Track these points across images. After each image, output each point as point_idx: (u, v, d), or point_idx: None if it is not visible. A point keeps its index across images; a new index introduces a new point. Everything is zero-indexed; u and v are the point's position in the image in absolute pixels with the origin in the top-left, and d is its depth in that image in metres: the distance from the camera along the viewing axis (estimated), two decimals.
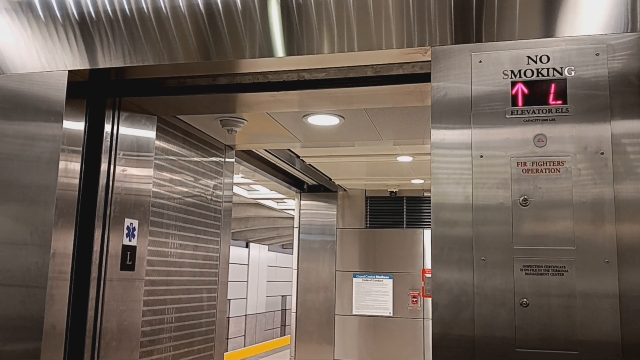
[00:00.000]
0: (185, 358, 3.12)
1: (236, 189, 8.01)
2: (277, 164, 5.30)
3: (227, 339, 15.61)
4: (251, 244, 17.37)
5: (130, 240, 2.62)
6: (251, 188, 8.25)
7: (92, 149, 2.51)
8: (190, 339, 3.16)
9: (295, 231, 7.32)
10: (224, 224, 3.61)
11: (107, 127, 2.56)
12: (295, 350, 7.07)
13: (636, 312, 1.82)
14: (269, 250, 18.98)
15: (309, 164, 5.62)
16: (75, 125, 2.41)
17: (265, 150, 4.61)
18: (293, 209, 7.70)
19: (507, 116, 2.01)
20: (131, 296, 2.63)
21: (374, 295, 6.96)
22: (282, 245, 19.53)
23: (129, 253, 2.61)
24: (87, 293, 2.40)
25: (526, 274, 1.93)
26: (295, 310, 7.14)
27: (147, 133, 2.80)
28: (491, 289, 1.95)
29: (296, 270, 7.21)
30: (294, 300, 7.18)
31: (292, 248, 7.40)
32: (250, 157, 4.73)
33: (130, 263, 2.62)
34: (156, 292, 2.87)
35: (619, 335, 1.83)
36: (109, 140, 2.56)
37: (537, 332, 1.90)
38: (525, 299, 1.91)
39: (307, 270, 7.16)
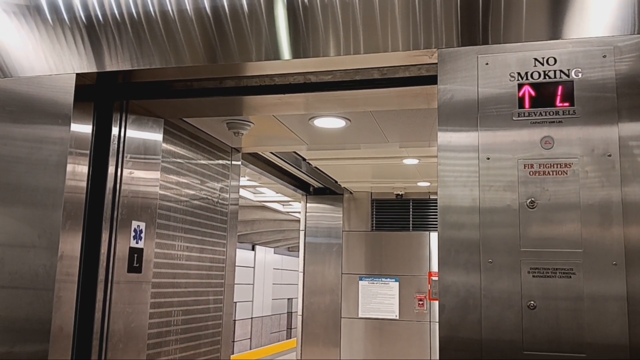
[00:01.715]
0: None
1: (242, 192, 8.03)
2: (283, 167, 5.31)
3: (233, 341, 15.61)
4: (257, 247, 17.39)
5: (137, 243, 2.63)
6: (257, 191, 8.26)
7: (99, 152, 2.52)
8: (196, 341, 3.17)
9: (301, 234, 7.32)
10: (230, 227, 3.62)
11: (115, 130, 2.57)
12: (301, 353, 7.07)
13: None
14: (274, 252, 18.98)
15: (315, 167, 5.63)
16: (83, 128, 2.42)
17: (272, 152, 4.62)
18: (299, 212, 7.70)
19: (513, 118, 2.01)
20: (138, 298, 2.64)
21: (380, 298, 6.95)
22: (288, 248, 19.53)
23: (136, 255, 2.62)
24: (94, 295, 2.41)
25: (533, 276, 1.92)
26: (301, 313, 7.13)
27: (154, 136, 2.82)
28: (498, 292, 1.94)
29: (302, 273, 7.20)
30: (300, 302, 7.17)
31: (298, 251, 7.40)
32: (257, 160, 4.73)
33: (137, 265, 2.63)
34: (163, 294, 2.87)
35: (627, 337, 1.82)
36: (116, 143, 2.57)
37: (544, 334, 1.89)
38: (532, 302, 1.91)
39: (313, 273, 7.16)
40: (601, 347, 1.84)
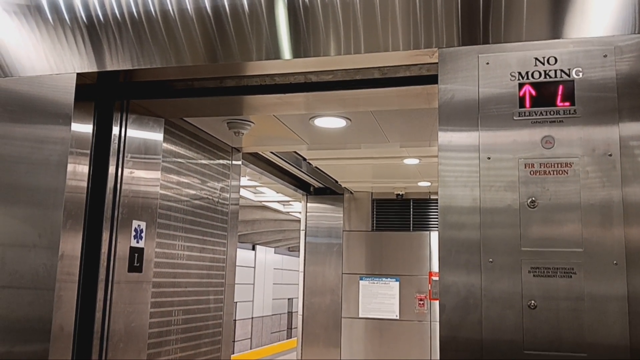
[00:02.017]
0: None
1: (243, 192, 8.02)
2: (283, 167, 5.31)
3: (234, 341, 15.62)
4: (258, 247, 17.39)
5: (137, 243, 2.63)
6: (257, 191, 8.26)
7: (100, 152, 2.52)
8: (197, 341, 3.17)
9: (302, 234, 7.32)
10: (230, 226, 3.62)
11: (115, 130, 2.57)
12: (301, 353, 7.07)
13: None
14: (275, 252, 18.99)
15: (316, 167, 5.62)
16: (84, 128, 2.42)
17: (272, 152, 4.62)
18: (299, 212, 7.70)
19: (514, 118, 2.00)
20: (139, 298, 2.64)
21: (380, 298, 6.95)
22: (289, 248, 19.54)
23: (136, 255, 2.62)
24: (95, 295, 2.41)
25: (534, 276, 1.92)
26: (301, 313, 7.13)
27: (155, 135, 2.82)
28: (499, 292, 1.94)
29: (302, 273, 7.20)
30: (300, 302, 7.17)
31: (299, 251, 7.40)
32: (257, 160, 4.73)
33: (138, 265, 2.63)
34: (163, 293, 2.87)
35: (628, 337, 1.82)
36: (116, 142, 2.57)
37: (545, 334, 1.89)
38: (533, 301, 1.91)
39: (313, 273, 7.16)
40: (602, 347, 1.84)
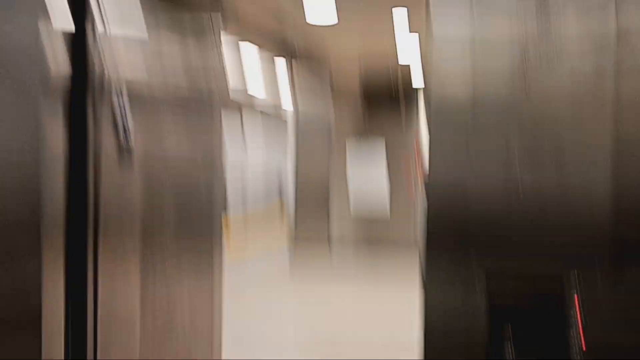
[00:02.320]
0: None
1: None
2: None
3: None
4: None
5: (124, 136, 2.54)
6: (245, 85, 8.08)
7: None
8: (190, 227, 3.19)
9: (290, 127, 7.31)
10: (218, 112, 3.49)
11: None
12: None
13: None
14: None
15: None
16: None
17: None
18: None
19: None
20: (127, 186, 2.61)
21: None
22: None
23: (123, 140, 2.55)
24: (85, 184, 2.37)
25: (523, 161, 1.94)
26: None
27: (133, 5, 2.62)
28: (488, 185, 1.96)
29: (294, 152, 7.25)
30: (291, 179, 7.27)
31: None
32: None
33: (125, 155, 2.57)
34: (153, 181, 2.84)
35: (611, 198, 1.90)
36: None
37: (532, 217, 1.94)
38: (520, 186, 1.93)
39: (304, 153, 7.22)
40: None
